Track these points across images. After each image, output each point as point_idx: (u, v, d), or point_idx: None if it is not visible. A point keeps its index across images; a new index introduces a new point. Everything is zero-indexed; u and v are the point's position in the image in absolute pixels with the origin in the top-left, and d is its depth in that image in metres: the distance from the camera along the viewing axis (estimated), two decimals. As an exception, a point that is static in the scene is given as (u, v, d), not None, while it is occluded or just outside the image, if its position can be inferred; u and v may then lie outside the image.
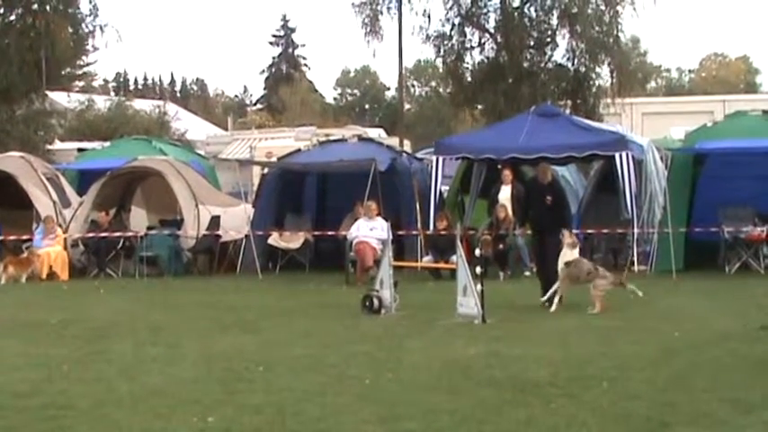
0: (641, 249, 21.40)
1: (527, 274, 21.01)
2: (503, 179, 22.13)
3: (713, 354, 11.31)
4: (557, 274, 15.75)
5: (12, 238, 24.20)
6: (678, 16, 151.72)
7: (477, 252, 15.32)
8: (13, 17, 34.14)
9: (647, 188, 21.50)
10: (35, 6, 33.50)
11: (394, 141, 36.19)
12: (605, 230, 21.84)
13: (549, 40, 37.75)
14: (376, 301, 15.28)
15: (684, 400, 8.96)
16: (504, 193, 21.88)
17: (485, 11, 38.18)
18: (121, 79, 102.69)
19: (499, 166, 22.57)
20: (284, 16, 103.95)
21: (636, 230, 21.26)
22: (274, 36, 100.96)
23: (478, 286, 14.20)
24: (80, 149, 35.50)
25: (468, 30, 38.19)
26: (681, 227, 21.17)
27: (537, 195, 16.85)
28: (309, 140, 28.64)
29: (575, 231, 21.12)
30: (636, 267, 20.94)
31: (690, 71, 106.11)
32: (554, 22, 37.50)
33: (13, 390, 9.83)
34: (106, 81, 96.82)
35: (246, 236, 23.02)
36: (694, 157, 21.93)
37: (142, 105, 55.71)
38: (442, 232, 21.25)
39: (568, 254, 15.77)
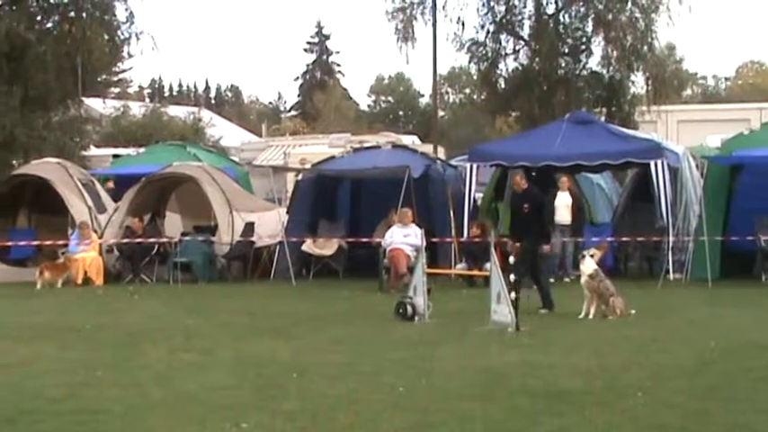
0: (676, 257, 21.26)
1: (567, 280, 21.02)
2: (560, 186, 22.13)
3: (749, 364, 11.22)
4: (535, 277, 16.30)
5: (48, 243, 24.36)
6: (714, 23, 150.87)
7: (511, 259, 15.28)
8: (49, 24, 34.36)
9: (682, 196, 21.43)
10: (72, 14, 33.70)
11: (428, 148, 36.03)
12: (640, 238, 21.74)
13: (583, 47, 37.67)
14: (409, 308, 15.25)
15: (720, 410, 8.90)
16: (563, 200, 21.82)
17: (519, 18, 38.18)
18: (156, 86, 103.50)
19: (533, 173, 22.52)
20: (319, 23, 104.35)
21: (671, 238, 21.14)
22: (309, 43, 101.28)
23: (512, 294, 14.16)
24: (115, 155, 35.78)
25: (502, 37, 38.17)
26: (716, 235, 21.00)
27: (515, 204, 17.14)
28: (343, 147, 28.74)
29: (609, 239, 21.26)
30: (671, 275, 20.83)
31: (726, 79, 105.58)
32: (588, 29, 37.44)
33: (48, 394, 9.89)
34: (141, 87, 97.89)
35: (280, 242, 23.06)
36: (731, 166, 21.77)
37: (177, 112, 55.99)
38: (476, 239, 21.22)
39: (590, 264, 15.68)
